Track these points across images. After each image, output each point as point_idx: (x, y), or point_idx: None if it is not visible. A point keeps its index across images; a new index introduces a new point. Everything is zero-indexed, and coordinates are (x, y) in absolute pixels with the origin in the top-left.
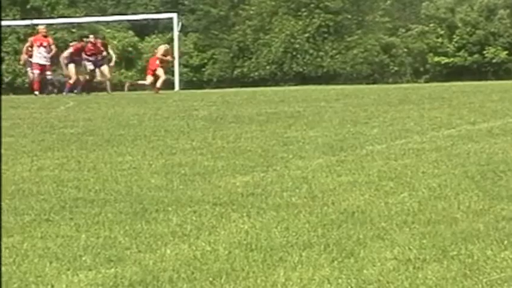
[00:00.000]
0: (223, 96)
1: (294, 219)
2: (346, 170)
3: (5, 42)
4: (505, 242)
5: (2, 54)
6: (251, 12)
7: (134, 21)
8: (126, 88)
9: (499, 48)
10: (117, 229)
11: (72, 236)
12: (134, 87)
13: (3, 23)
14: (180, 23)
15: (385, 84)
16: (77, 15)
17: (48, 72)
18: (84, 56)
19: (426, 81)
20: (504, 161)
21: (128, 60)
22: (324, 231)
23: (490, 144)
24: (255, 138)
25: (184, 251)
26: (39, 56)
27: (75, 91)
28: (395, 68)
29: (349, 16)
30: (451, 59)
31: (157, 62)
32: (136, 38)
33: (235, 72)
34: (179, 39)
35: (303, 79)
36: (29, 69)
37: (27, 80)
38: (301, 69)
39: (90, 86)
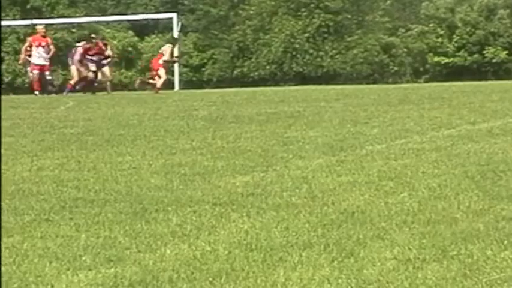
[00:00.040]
0: (223, 96)
1: (294, 219)
2: (346, 170)
3: (5, 42)
4: (505, 242)
5: (2, 54)
6: (251, 12)
7: (134, 21)
8: (136, 85)
9: (499, 48)
10: (117, 229)
11: (72, 236)
12: (144, 86)
13: (3, 23)
14: (180, 23)
15: (385, 84)
16: (77, 15)
17: (47, 72)
18: (87, 56)
19: (426, 81)
20: (504, 161)
21: (127, 60)
22: (324, 231)
23: (490, 144)
24: (254, 138)
25: (184, 251)
26: (38, 56)
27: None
28: (395, 68)
29: (349, 16)
30: (451, 59)
31: (160, 62)
32: (136, 38)
33: (235, 72)
34: (179, 39)
35: (302, 79)
36: (28, 69)
37: (27, 80)
38: (301, 69)
39: (93, 85)
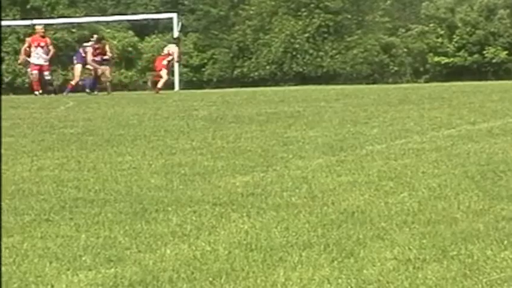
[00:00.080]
0: (223, 96)
1: (294, 219)
2: (346, 170)
3: (5, 42)
4: (505, 242)
5: (2, 54)
6: (251, 12)
7: (134, 21)
8: (149, 83)
9: (499, 48)
10: (117, 229)
11: (72, 236)
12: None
13: (3, 23)
14: (180, 23)
15: (385, 84)
16: (77, 15)
17: (46, 73)
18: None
19: (426, 81)
20: (504, 161)
21: (128, 60)
22: (324, 231)
23: (490, 144)
24: (255, 138)
25: (184, 251)
26: (37, 57)
27: (87, 91)
28: (395, 68)
29: (349, 16)
30: (451, 59)
31: (164, 62)
32: (136, 38)
33: (235, 72)
34: (180, 39)
35: (302, 79)
36: (29, 69)
37: (27, 80)
38: (301, 69)
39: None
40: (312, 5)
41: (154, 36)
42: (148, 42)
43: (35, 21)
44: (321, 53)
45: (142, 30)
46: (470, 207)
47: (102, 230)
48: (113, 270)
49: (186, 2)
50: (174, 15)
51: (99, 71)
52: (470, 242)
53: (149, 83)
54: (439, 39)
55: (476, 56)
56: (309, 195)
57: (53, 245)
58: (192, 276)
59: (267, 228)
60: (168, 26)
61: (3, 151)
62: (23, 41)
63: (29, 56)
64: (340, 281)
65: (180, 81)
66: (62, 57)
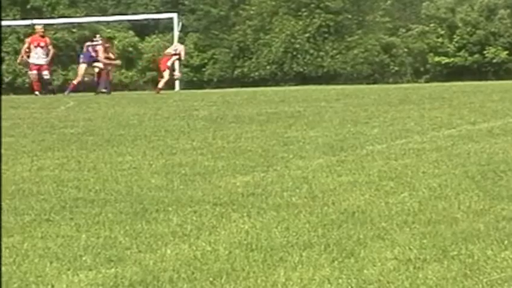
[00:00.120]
0: (223, 96)
1: (295, 219)
2: (347, 170)
3: (5, 42)
4: (506, 242)
5: (2, 54)
6: (251, 12)
7: (134, 21)
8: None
9: (500, 48)
10: (118, 229)
11: (72, 236)
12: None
13: (4, 23)
14: (180, 23)
15: (386, 84)
16: (78, 15)
17: (45, 72)
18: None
19: (426, 81)
20: (504, 161)
21: (128, 60)
22: (324, 231)
23: (490, 144)
24: (255, 138)
25: (184, 251)
26: (36, 57)
27: (104, 90)
28: (396, 68)
29: (350, 16)
30: (452, 59)
31: (169, 63)
32: (136, 38)
33: (236, 72)
34: (179, 39)
35: (303, 79)
36: (29, 70)
37: (27, 80)
38: (301, 69)
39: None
40: (313, 5)
41: (154, 36)
42: (148, 42)
43: (35, 21)
44: (321, 53)
45: (142, 30)
46: (471, 207)
47: (102, 230)
48: (113, 270)
49: (186, 2)
50: (174, 15)
51: (106, 70)
52: (471, 242)
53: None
54: (440, 39)
55: (476, 56)
56: (309, 195)
57: (54, 245)
58: (192, 276)
59: (268, 228)
60: (168, 26)
61: (3, 151)
62: (23, 41)
63: (28, 56)
64: (340, 281)
65: (181, 81)
66: (62, 57)
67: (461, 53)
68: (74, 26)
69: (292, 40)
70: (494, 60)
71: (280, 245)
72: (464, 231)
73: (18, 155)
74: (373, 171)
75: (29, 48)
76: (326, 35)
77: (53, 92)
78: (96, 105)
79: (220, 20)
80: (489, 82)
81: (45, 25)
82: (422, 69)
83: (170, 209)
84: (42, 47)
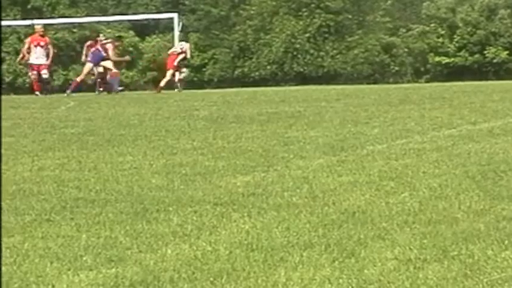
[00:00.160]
0: (224, 96)
1: (295, 219)
2: (347, 170)
3: (6, 42)
4: (506, 242)
5: (3, 55)
6: (252, 12)
7: (135, 21)
8: (178, 81)
9: (500, 48)
10: (118, 229)
11: (73, 236)
12: (180, 83)
13: (4, 23)
14: (180, 23)
15: (386, 84)
16: (78, 15)
17: (44, 71)
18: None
19: (427, 81)
20: (505, 161)
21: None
22: (325, 231)
23: (490, 144)
24: (255, 138)
25: (185, 251)
26: (36, 56)
27: (120, 88)
28: (396, 68)
29: (350, 16)
30: (452, 59)
31: (176, 63)
32: (137, 38)
33: (236, 72)
34: (179, 39)
35: (303, 79)
36: (29, 71)
37: (27, 80)
38: (301, 69)
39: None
40: (313, 5)
41: (155, 36)
42: (149, 42)
43: (35, 21)
44: (321, 53)
45: (143, 30)
46: (471, 207)
47: (103, 230)
48: (113, 270)
49: (186, 2)
50: (174, 15)
51: (114, 70)
52: (471, 242)
53: (178, 83)
54: (440, 39)
55: (477, 56)
56: (309, 195)
57: (54, 245)
58: (193, 276)
59: (268, 228)
60: (168, 26)
61: (4, 151)
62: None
63: (23, 57)
64: (341, 281)
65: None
66: (62, 57)
67: (461, 53)
68: (75, 26)
69: (293, 40)
70: (495, 60)
71: (280, 245)
72: (465, 231)
73: (19, 155)
74: (374, 171)
75: (29, 48)
76: (326, 35)
77: (52, 91)
78: (97, 105)
79: (220, 20)
80: (489, 82)
81: (46, 25)
82: (422, 69)
83: (171, 209)
84: (42, 47)
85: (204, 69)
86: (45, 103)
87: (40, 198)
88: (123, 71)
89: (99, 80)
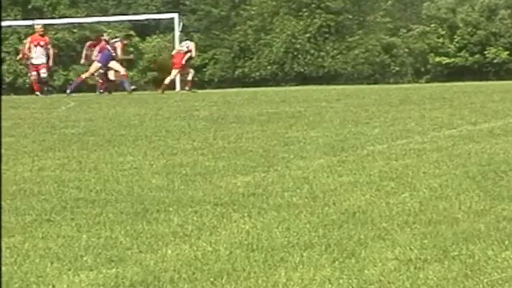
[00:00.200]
0: (224, 97)
1: (295, 220)
2: (347, 170)
3: (6, 42)
4: (506, 242)
5: (3, 55)
6: (252, 12)
7: (135, 21)
8: (188, 84)
9: (500, 48)
10: (118, 229)
11: (73, 236)
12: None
13: (5, 23)
14: (181, 23)
15: (386, 85)
16: (78, 15)
17: (43, 70)
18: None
19: (427, 82)
20: (505, 161)
21: (128, 60)
22: (325, 232)
23: (491, 144)
24: (256, 139)
25: (185, 251)
26: (35, 56)
27: (133, 87)
28: (397, 68)
29: (350, 16)
30: (452, 59)
31: (183, 61)
32: (137, 38)
33: (237, 72)
34: (180, 39)
35: (304, 79)
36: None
37: (28, 81)
38: (302, 70)
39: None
40: (313, 5)
41: (155, 36)
42: (149, 42)
43: (36, 22)
44: (322, 53)
45: (143, 30)
46: (472, 207)
47: (103, 230)
48: (114, 270)
49: (187, 2)
50: (175, 16)
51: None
52: (472, 242)
53: (188, 85)
54: (440, 40)
55: (477, 56)
56: (310, 195)
57: (54, 245)
58: (193, 277)
59: (268, 228)
60: (169, 26)
61: (4, 151)
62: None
63: (27, 58)
64: (341, 281)
65: (181, 81)
66: (63, 57)
67: (462, 53)
68: (75, 26)
69: (293, 40)
70: (495, 61)
71: (281, 245)
72: (465, 232)
73: (19, 155)
74: (374, 171)
75: (29, 48)
76: (327, 35)
77: (52, 91)
78: (97, 105)
79: (221, 20)
80: (490, 82)
81: (46, 25)
82: (423, 69)
83: (171, 209)
84: (42, 46)
85: (204, 70)
86: (46, 103)
87: (40, 199)
88: None
89: (100, 80)
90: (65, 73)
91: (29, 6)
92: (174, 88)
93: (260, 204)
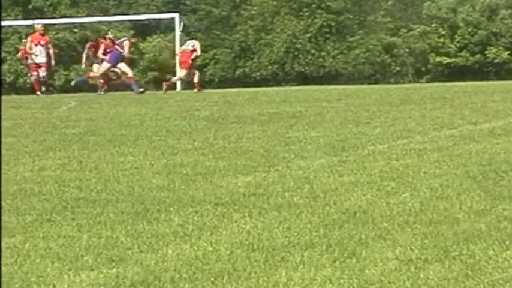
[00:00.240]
0: (225, 97)
1: (296, 220)
2: (348, 170)
3: (7, 42)
4: (507, 242)
5: (4, 55)
6: (253, 12)
7: (136, 21)
8: (196, 86)
9: (501, 48)
10: (119, 229)
11: (74, 236)
12: (199, 87)
13: (5, 23)
14: (181, 23)
15: (387, 84)
16: (79, 15)
17: (42, 69)
18: (100, 55)
19: (428, 81)
20: (506, 161)
21: (129, 60)
22: (326, 232)
23: (491, 144)
24: (256, 139)
25: (186, 251)
26: (36, 56)
27: (142, 89)
28: (397, 68)
29: (351, 16)
30: (453, 59)
31: (190, 61)
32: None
33: (237, 72)
34: (181, 39)
35: (304, 79)
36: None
37: (28, 80)
38: (302, 69)
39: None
40: (314, 5)
41: (156, 36)
42: (150, 42)
43: (37, 21)
44: (322, 53)
45: (144, 30)
46: (472, 207)
47: (104, 230)
48: (114, 270)
49: (188, 2)
50: (176, 15)
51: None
52: (472, 242)
53: (197, 86)
54: (441, 40)
55: (478, 56)
56: (310, 195)
57: (55, 245)
58: (193, 277)
59: (269, 228)
60: (170, 26)
61: (5, 151)
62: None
63: (27, 57)
64: (342, 281)
65: (182, 81)
66: (63, 57)
67: (462, 53)
68: (76, 26)
69: (294, 40)
70: (496, 61)
71: (281, 245)
72: (466, 232)
73: (20, 155)
74: (375, 171)
75: (30, 47)
76: (327, 35)
77: (51, 91)
78: (98, 105)
79: (221, 20)
80: (491, 82)
81: (47, 25)
82: (423, 69)
83: (171, 209)
84: (42, 45)
85: (205, 69)
86: (46, 103)
87: (41, 198)
88: None
89: (101, 81)
90: (65, 73)
91: (30, 6)
92: (175, 88)
93: (261, 204)
